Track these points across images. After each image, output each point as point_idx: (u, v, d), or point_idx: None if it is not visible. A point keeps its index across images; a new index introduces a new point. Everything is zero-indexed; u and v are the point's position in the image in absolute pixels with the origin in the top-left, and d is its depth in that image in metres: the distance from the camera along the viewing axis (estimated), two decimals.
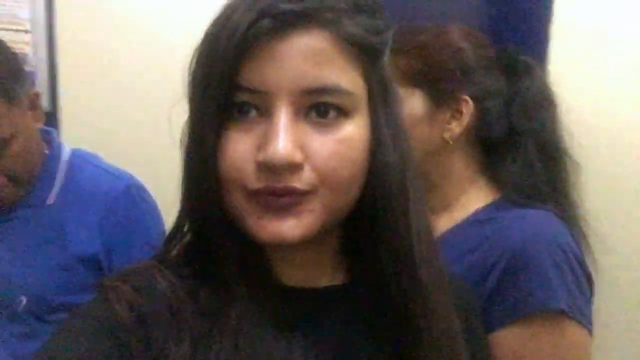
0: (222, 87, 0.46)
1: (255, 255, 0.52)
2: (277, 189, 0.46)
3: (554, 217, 0.81)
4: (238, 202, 0.48)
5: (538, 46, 1.14)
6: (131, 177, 1.03)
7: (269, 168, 0.45)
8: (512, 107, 0.89)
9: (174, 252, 0.55)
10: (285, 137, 0.45)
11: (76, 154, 1.04)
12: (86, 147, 1.12)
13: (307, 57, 0.46)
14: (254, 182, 0.46)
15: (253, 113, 0.47)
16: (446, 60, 0.87)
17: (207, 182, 0.48)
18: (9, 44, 1.31)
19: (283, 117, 0.45)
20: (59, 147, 1.03)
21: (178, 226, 0.55)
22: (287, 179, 0.46)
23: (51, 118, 1.42)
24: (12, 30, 1.34)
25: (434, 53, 0.87)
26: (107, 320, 0.48)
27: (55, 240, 0.94)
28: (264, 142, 0.46)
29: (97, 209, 0.96)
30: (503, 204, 0.86)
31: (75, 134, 1.44)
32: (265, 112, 0.47)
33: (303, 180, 0.46)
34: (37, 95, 0.96)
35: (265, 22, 0.44)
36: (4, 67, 0.85)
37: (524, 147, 0.87)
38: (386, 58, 0.53)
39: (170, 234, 0.56)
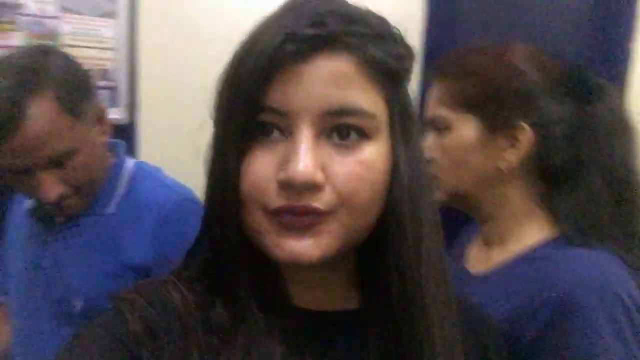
0: (248, 107, 0.47)
1: (270, 275, 0.53)
2: (298, 207, 0.46)
3: (614, 260, 0.72)
4: (258, 221, 0.48)
5: (617, 67, 1.04)
6: (188, 192, 1.06)
7: (290, 187, 0.46)
8: (579, 134, 0.81)
9: (194, 268, 0.56)
10: (306, 157, 0.45)
11: (139, 167, 1.09)
12: (163, 159, 1.17)
13: (330, 79, 0.46)
14: (275, 200, 0.47)
15: (276, 133, 0.48)
16: (503, 83, 0.81)
17: (228, 200, 0.49)
18: (93, 61, 1.43)
19: (305, 138, 0.46)
20: (123, 159, 1.09)
21: (198, 242, 0.57)
22: (308, 198, 0.46)
23: (130, 130, 1.51)
24: (96, 48, 1.45)
25: (490, 75, 0.82)
26: (119, 332, 0.50)
27: (111, 249, 0.98)
28: (285, 161, 0.46)
29: (151, 220, 1.00)
30: (560, 242, 0.78)
31: (153, 146, 1.52)
32: (288, 133, 0.48)
33: (323, 200, 0.47)
34: (102, 110, 1.02)
35: (290, 46, 0.45)
36: (70, 84, 0.91)
37: (588, 179, 0.79)
38: (408, 84, 0.54)
39: (190, 250, 0.58)
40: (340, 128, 0.48)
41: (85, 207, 1.00)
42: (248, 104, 0.47)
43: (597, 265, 0.71)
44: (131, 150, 1.34)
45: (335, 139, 0.48)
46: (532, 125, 0.80)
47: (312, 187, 0.46)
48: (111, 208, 1.01)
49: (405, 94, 0.53)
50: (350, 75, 0.47)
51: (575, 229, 0.77)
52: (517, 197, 0.84)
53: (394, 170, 0.50)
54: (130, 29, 1.47)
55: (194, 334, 0.50)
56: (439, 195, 0.86)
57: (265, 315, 0.51)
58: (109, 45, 1.46)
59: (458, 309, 0.55)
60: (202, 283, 0.54)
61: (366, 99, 0.48)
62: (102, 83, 1.45)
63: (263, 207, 0.48)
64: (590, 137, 0.81)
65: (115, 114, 1.45)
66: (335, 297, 0.56)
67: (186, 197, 1.04)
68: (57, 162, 0.90)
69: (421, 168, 0.53)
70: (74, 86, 0.91)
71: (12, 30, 1.35)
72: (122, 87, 1.50)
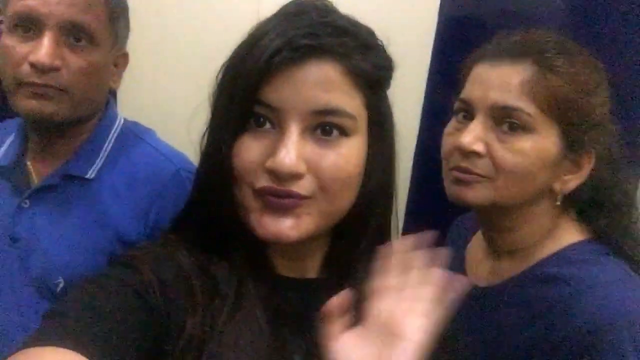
0: (245, 100, 0.55)
1: (257, 245, 0.60)
2: (280, 190, 0.54)
3: (635, 284, 0.70)
4: (245, 198, 0.56)
5: None
6: (184, 160, 0.95)
7: (275, 175, 0.54)
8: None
9: (188, 235, 0.62)
10: (292, 150, 0.53)
11: (129, 128, 0.98)
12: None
13: (318, 83, 0.54)
14: (260, 181, 0.55)
15: (267, 125, 0.56)
16: (592, 104, 0.74)
17: (222, 177, 0.57)
18: None
19: (293, 132, 0.54)
20: (113, 115, 0.97)
21: (188, 211, 0.64)
22: (290, 184, 0.54)
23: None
24: None
25: (585, 86, 0.74)
26: (134, 282, 0.53)
27: (97, 222, 0.88)
28: (273, 150, 0.54)
29: (144, 192, 0.90)
30: (569, 253, 0.76)
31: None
32: (278, 126, 0.56)
33: (302, 186, 0.55)
34: (126, 58, 0.95)
35: (286, 53, 0.53)
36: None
37: (609, 200, 0.79)
38: (387, 90, 0.62)
39: (179, 219, 0.64)
40: (324, 126, 0.55)
41: (64, 164, 0.90)
42: (246, 97, 0.55)
43: (622, 294, 0.67)
44: None
45: (319, 134, 0.56)
46: (595, 155, 0.76)
47: (294, 177, 0.54)
48: (92, 172, 0.90)
49: (384, 100, 0.61)
50: (336, 81, 0.55)
51: (599, 236, 0.77)
52: (544, 215, 0.80)
53: (368, 166, 0.59)
54: None
55: (197, 292, 0.55)
56: (481, 197, 0.76)
57: (254, 278, 0.58)
58: None
59: None
60: (197, 248, 0.60)
61: (348, 101, 0.56)
62: None
63: (250, 186, 0.55)
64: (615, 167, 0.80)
65: None
66: (310, 268, 0.65)
67: (182, 167, 0.94)
68: (74, 34, 0.82)
69: (391, 166, 0.62)
70: (124, 7, 0.89)
71: None
72: None
